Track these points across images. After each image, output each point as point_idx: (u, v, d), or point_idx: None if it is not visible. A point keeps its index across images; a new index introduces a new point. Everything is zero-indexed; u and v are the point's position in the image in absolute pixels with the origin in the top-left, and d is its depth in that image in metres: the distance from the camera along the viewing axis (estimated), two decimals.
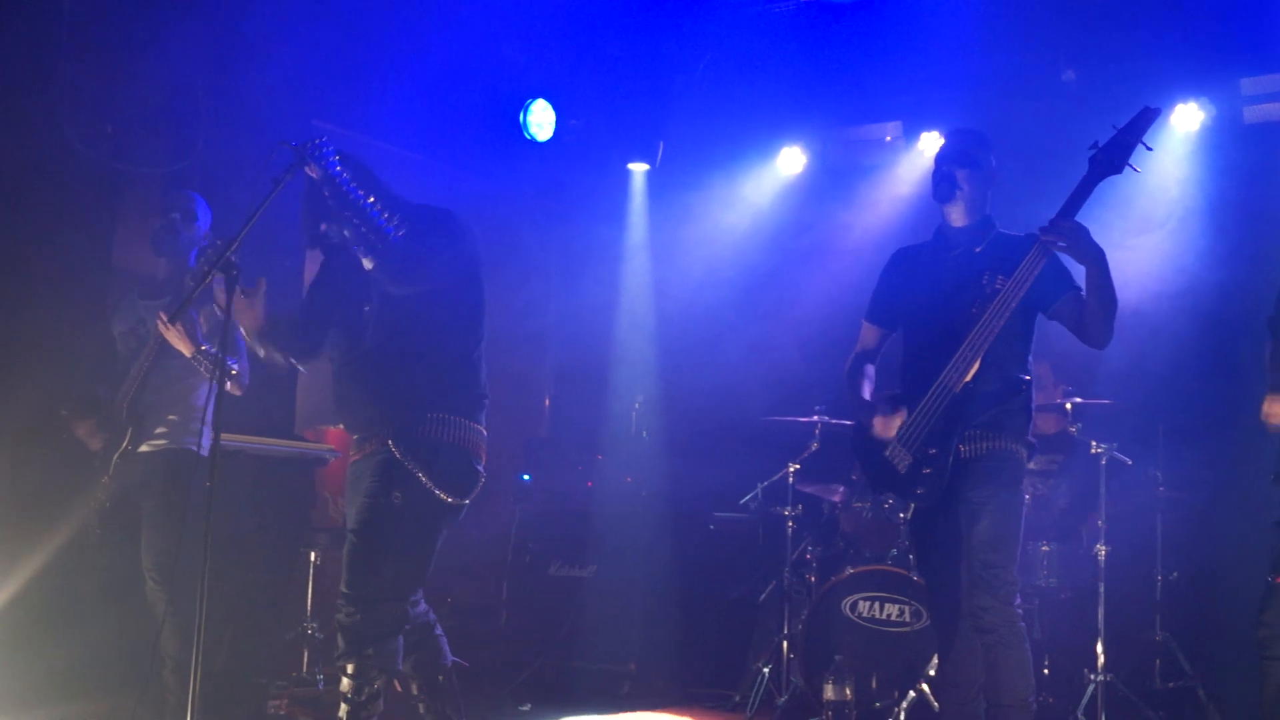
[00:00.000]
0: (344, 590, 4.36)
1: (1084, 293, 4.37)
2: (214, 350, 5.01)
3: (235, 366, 5.13)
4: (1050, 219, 4.27)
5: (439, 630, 4.65)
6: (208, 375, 5.11)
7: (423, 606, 4.61)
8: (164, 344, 5.14)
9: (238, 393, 5.21)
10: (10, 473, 5.74)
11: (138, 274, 5.82)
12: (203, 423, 5.26)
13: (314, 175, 4.33)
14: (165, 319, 4.98)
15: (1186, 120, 7.02)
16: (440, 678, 4.62)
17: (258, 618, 6.36)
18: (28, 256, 6.05)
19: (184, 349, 5.06)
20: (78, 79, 6.15)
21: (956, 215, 4.60)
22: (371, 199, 4.41)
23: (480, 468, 4.52)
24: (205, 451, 5.19)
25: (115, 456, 5.23)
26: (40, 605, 5.63)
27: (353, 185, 4.34)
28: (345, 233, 4.36)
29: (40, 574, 5.56)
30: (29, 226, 6.08)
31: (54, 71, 6.12)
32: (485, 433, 4.55)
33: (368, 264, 4.40)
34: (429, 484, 4.35)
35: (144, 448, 5.26)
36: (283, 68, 6.69)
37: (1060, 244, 4.25)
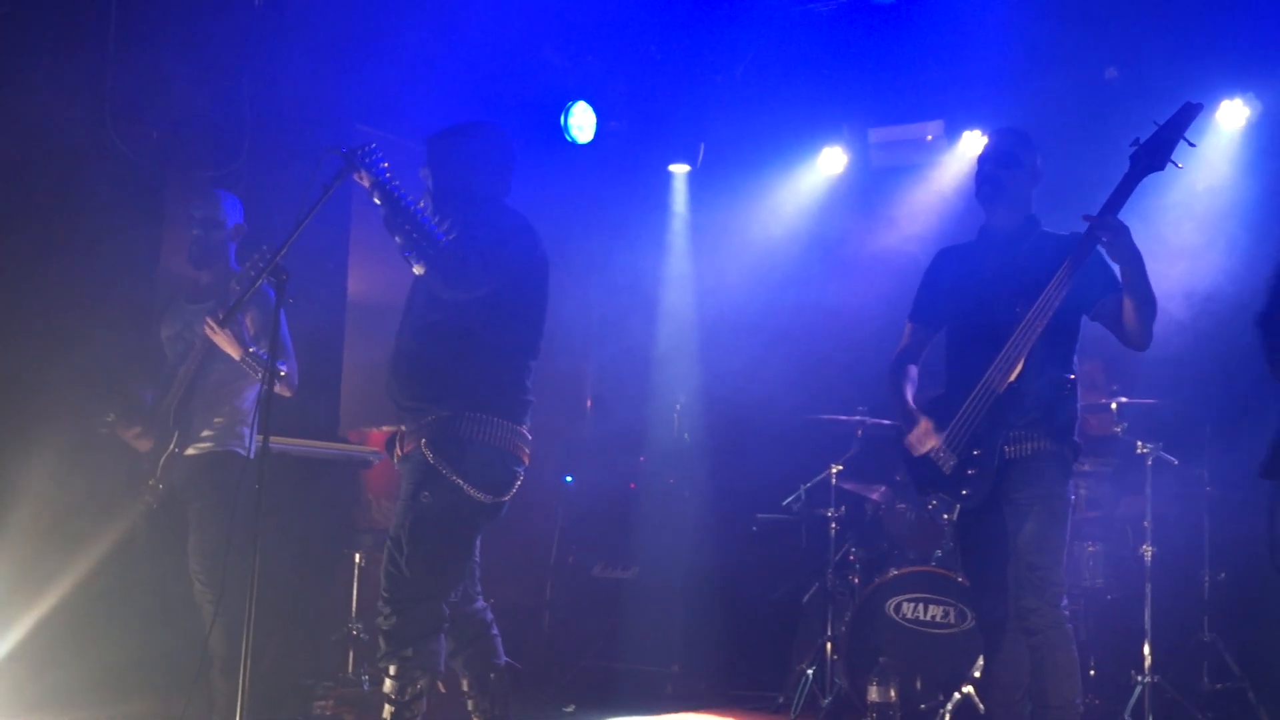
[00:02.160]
0: (382, 593, 4.40)
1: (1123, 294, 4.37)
2: (263, 352, 5.05)
3: (284, 368, 5.16)
4: (1095, 214, 4.26)
5: (495, 630, 4.68)
6: (256, 377, 5.16)
7: (480, 604, 4.66)
8: (210, 348, 5.18)
9: (287, 394, 5.26)
10: (58, 476, 5.80)
11: (184, 277, 5.87)
12: (247, 425, 5.31)
13: (363, 182, 4.36)
14: (213, 323, 5.04)
15: (1232, 117, 6.98)
16: (492, 676, 4.64)
17: (303, 619, 6.43)
18: (74, 260, 6.12)
19: (233, 352, 5.12)
20: (123, 84, 6.22)
21: (1000, 215, 4.60)
22: (422, 204, 4.44)
23: (519, 469, 4.52)
24: (251, 454, 5.22)
25: (162, 459, 5.28)
26: (89, 607, 5.70)
27: (403, 191, 4.37)
28: (396, 239, 4.38)
29: (89, 576, 5.63)
30: (75, 231, 6.16)
31: (100, 76, 6.19)
32: (529, 435, 4.56)
33: (418, 270, 4.41)
34: (460, 482, 4.36)
35: (190, 451, 5.30)
36: (325, 71, 6.76)
37: (1104, 237, 4.23)
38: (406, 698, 4.36)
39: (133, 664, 5.86)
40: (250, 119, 6.59)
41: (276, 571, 5.17)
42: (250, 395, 5.37)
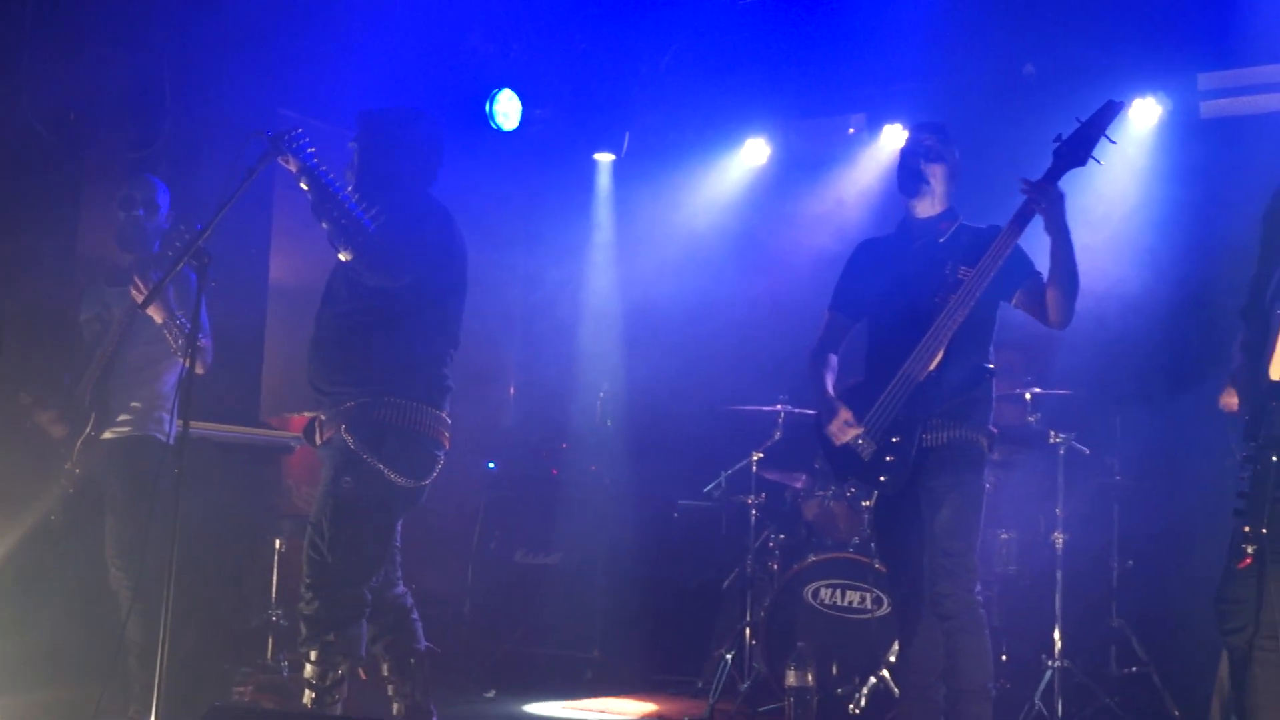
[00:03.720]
0: (304, 579, 4.43)
1: (1046, 274, 4.42)
2: (184, 320, 5.03)
3: (205, 341, 5.17)
4: (1033, 181, 4.32)
5: (415, 615, 4.73)
6: (175, 347, 5.13)
7: (400, 589, 4.70)
8: (128, 330, 5.19)
9: (200, 370, 5.20)
10: None
11: (102, 260, 5.83)
12: (166, 409, 5.29)
13: (290, 167, 4.36)
14: (140, 284, 5.00)
15: (1144, 115, 7.09)
16: (412, 660, 4.70)
17: (222, 605, 6.39)
18: None
19: (157, 316, 5.07)
20: (42, 66, 6.16)
21: (923, 208, 4.66)
22: (349, 189, 4.44)
23: (439, 452, 4.56)
24: (170, 439, 5.20)
25: (78, 443, 5.25)
26: (4, 593, 5.63)
27: (330, 177, 4.37)
28: (323, 224, 4.38)
29: (4, 562, 5.55)
30: None
31: (18, 58, 6.12)
32: (448, 420, 4.60)
33: (344, 257, 4.42)
34: (380, 467, 4.39)
35: (108, 434, 5.28)
36: (247, 54, 6.72)
37: (1041, 202, 4.30)
38: (327, 683, 4.40)
39: (48, 651, 5.80)
40: (170, 102, 6.56)
41: (195, 557, 5.16)
42: (170, 379, 5.37)
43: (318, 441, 4.56)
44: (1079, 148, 4.33)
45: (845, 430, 4.51)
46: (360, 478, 4.39)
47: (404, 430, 4.44)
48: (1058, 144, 4.36)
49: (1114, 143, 4.39)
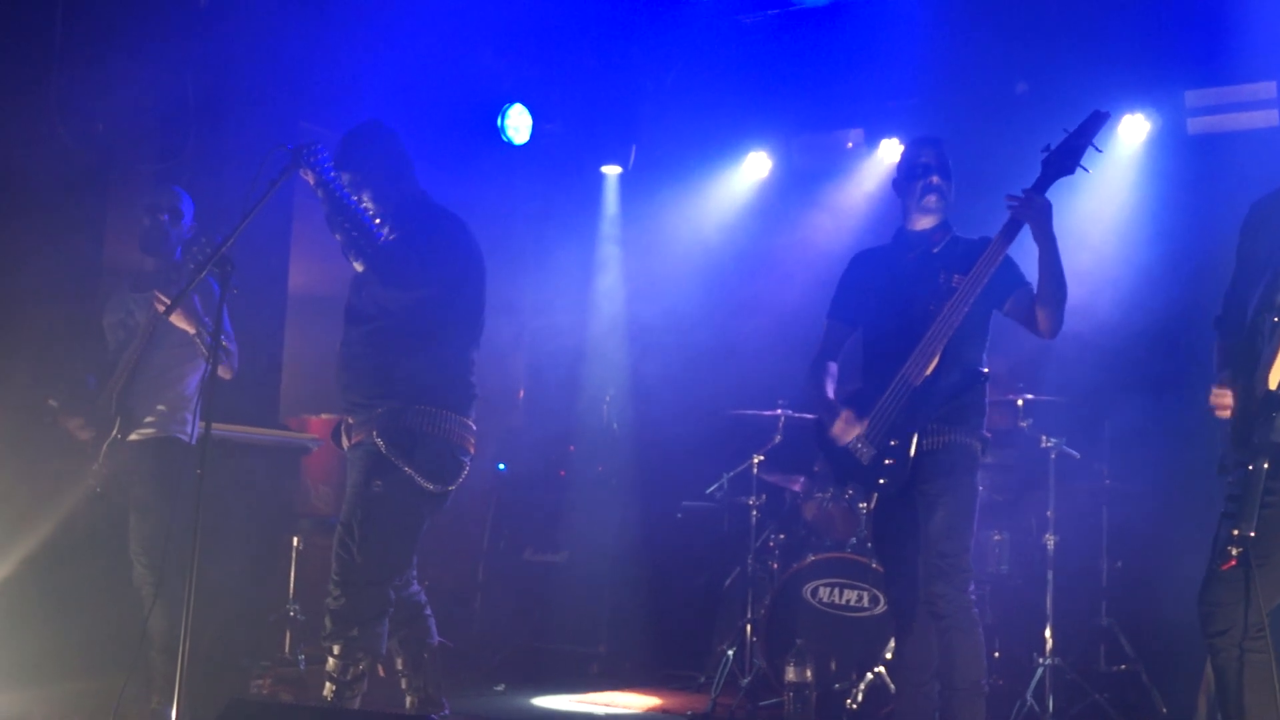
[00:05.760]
0: (333, 575, 4.52)
1: (1035, 284, 4.48)
2: (207, 336, 5.09)
3: (229, 346, 5.25)
4: (1023, 190, 4.39)
5: (429, 611, 4.82)
6: (205, 355, 5.18)
7: (415, 587, 4.78)
8: (153, 335, 5.23)
9: (228, 376, 5.29)
10: (2, 460, 5.84)
11: (127, 267, 5.87)
12: (190, 411, 5.36)
13: (308, 179, 4.48)
14: (162, 296, 5.05)
15: (1133, 131, 7.17)
16: (425, 655, 4.79)
17: (242, 601, 6.45)
18: (21, 250, 6.15)
19: (188, 327, 5.14)
20: (71, 80, 6.25)
21: (928, 220, 4.71)
22: (365, 203, 4.59)
23: (465, 458, 4.65)
24: (193, 440, 5.26)
25: (104, 445, 5.31)
26: (32, 589, 5.73)
27: (346, 190, 4.49)
28: (337, 236, 4.51)
29: (31, 559, 5.66)
30: (22, 222, 6.18)
31: (48, 73, 6.22)
32: (474, 426, 4.70)
33: (358, 267, 4.55)
34: (410, 472, 4.49)
35: (133, 436, 5.34)
36: (268, 70, 6.80)
37: (1028, 213, 4.37)
38: (348, 677, 4.50)
39: (73, 644, 5.90)
40: (195, 116, 6.61)
41: (216, 555, 5.19)
42: (193, 382, 5.44)
43: (345, 445, 4.66)
44: (1067, 157, 4.40)
45: (848, 430, 4.56)
46: (390, 481, 4.49)
47: (433, 437, 4.55)
48: (1046, 154, 4.43)
49: (1100, 151, 4.46)
